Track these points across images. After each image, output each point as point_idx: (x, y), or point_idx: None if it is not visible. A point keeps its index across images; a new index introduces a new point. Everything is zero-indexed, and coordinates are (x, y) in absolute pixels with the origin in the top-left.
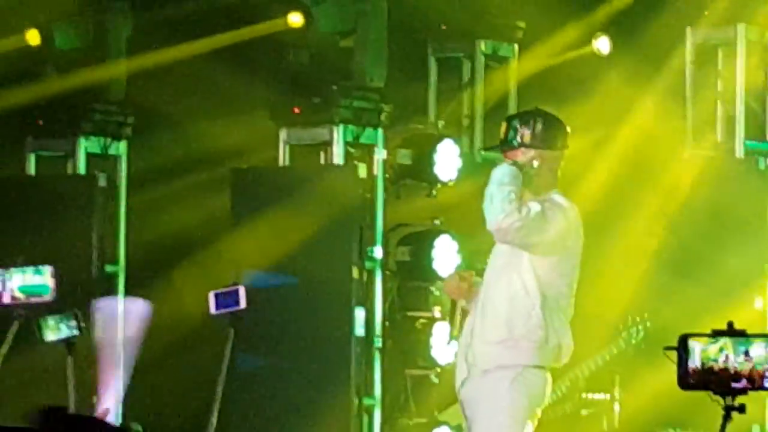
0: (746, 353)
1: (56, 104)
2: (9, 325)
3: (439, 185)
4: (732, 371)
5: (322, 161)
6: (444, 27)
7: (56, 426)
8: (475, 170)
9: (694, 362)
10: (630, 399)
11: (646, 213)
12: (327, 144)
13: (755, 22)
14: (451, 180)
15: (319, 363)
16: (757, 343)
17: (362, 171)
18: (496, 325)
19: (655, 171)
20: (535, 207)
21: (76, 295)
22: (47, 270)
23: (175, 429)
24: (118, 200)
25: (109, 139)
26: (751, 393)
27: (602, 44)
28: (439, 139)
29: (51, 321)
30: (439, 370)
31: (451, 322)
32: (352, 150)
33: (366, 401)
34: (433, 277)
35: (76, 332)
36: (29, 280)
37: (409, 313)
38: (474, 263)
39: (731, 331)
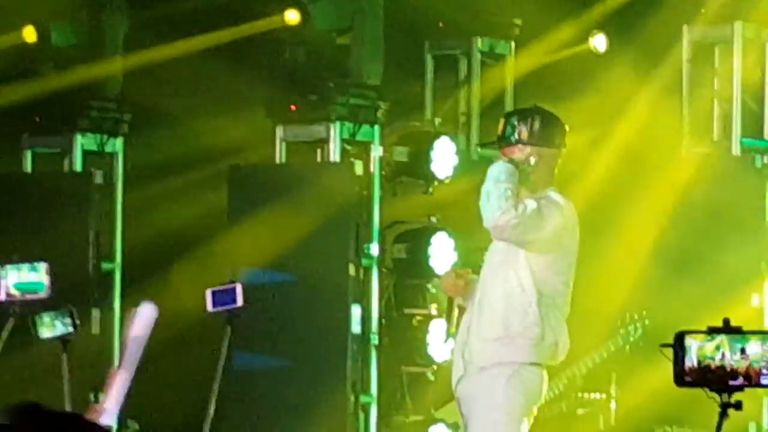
0: (742, 351)
1: (53, 101)
2: (4, 322)
3: (435, 182)
4: (728, 369)
5: (319, 158)
6: (441, 24)
7: (30, 423)
8: (472, 168)
9: (691, 360)
10: (626, 396)
11: (642, 211)
12: (323, 141)
13: (752, 19)
14: (447, 177)
15: (316, 360)
16: (753, 341)
17: (359, 168)
18: (492, 323)
19: (651, 169)
20: (531, 204)
21: (73, 293)
22: (42, 267)
23: (171, 426)
24: (114, 197)
25: (105, 136)
26: (747, 390)
27: (599, 42)
28: (436, 136)
29: (46, 318)
30: (435, 367)
31: (448, 320)
32: (348, 147)
33: (362, 398)
34: (429, 274)
35: (71, 329)
36: (24, 277)
37: (406, 311)
38: (470, 261)
39: (727, 328)
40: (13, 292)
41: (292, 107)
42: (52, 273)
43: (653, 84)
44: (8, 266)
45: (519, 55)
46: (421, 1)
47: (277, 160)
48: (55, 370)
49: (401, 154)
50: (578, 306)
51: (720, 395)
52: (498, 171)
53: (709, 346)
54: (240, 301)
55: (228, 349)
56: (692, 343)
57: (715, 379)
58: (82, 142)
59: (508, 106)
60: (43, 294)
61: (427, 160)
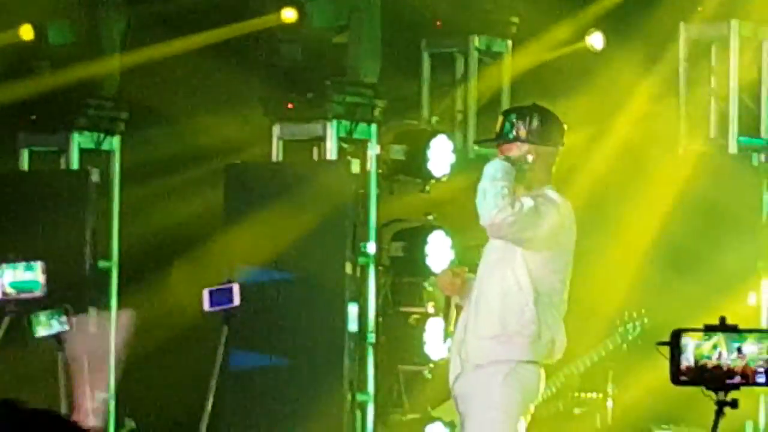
0: (739, 350)
1: (50, 99)
2: None
3: (432, 181)
4: (725, 368)
5: (316, 157)
6: (438, 23)
7: (5, 421)
8: (469, 166)
9: (688, 359)
10: (623, 395)
11: (639, 209)
12: (320, 139)
13: (749, 18)
14: (444, 175)
15: (313, 359)
16: (750, 340)
17: (355, 166)
18: (489, 321)
19: (648, 167)
20: (528, 202)
21: (69, 291)
22: (38, 266)
23: (168, 425)
24: (111, 195)
25: (102, 135)
26: (744, 388)
27: (596, 40)
28: (433, 134)
29: (42, 317)
30: (432, 365)
31: (446, 319)
32: (345, 145)
33: (359, 397)
34: (426, 272)
35: (67, 327)
36: (20, 276)
37: (403, 309)
38: (467, 259)
39: (723, 327)
40: (9, 290)
41: (289, 105)
42: (48, 272)
43: (650, 82)
44: (4, 265)
45: (516, 53)
46: None
47: (274, 158)
48: (51, 368)
49: (398, 152)
50: (576, 304)
51: (716, 394)
52: (494, 169)
53: (706, 346)
54: (237, 301)
55: (225, 348)
56: (689, 342)
57: (712, 378)
58: (78, 141)
59: (505, 105)
60: (38, 293)
61: (424, 159)
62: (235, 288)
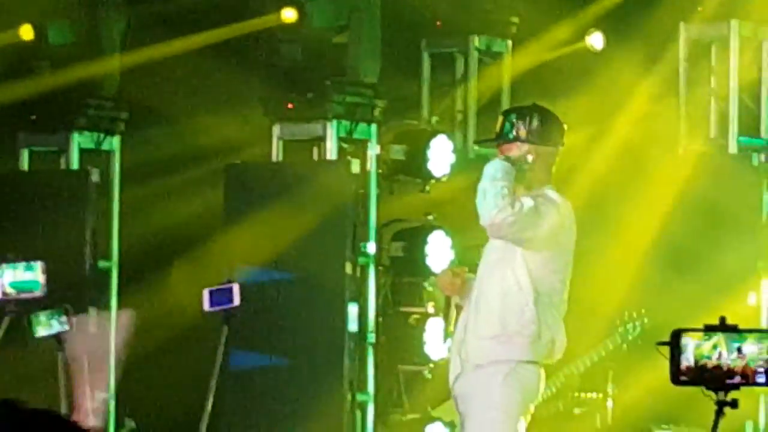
0: (739, 350)
1: (50, 99)
2: (0, 321)
3: (432, 181)
4: (725, 368)
5: (316, 157)
6: (438, 23)
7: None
8: (469, 166)
9: (688, 359)
10: (623, 395)
11: (640, 209)
12: (320, 139)
13: (749, 18)
14: (444, 175)
15: (313, 359)
16: (750, 340)
17: (355, 166)
18: (489, 321)
19: (648, 167)
20: (527, 202)
21: (69, 291)
22: (38, 266)
23: (168, 425)
24: (111, 195)
25: (102, 135)
26: (744, 388)
27: (596, 40)
28: (433, 134)
29: (42, 317)
30: (432, 365)
31: (446, 319)
32: (345, 145)
33: (359, 397)
34: (426, 272)
35: (67, 327)
36: (20, 276)
37: (403, 309)
38: (467, 259)
39: (723, 326)
40: (9, 290)
41: (289, 105)
42: (48, 272)
43: (650, 82)
44: (4, 265)
45: (516, 53)
46: None
47: (274, 158)
48: (51, 368)
49: (398, 152)
50: (576, 304)
51: (716, 394)
52: (494, 169)
53: (706, 346)
54: (237, 301)
55: (225, 348)
56: (689, 342)
57: (712, 378)
58: (78, 141)
59: (505, 105)
60: (38, 293)
61: (424, 159)
62: (235, 288)
